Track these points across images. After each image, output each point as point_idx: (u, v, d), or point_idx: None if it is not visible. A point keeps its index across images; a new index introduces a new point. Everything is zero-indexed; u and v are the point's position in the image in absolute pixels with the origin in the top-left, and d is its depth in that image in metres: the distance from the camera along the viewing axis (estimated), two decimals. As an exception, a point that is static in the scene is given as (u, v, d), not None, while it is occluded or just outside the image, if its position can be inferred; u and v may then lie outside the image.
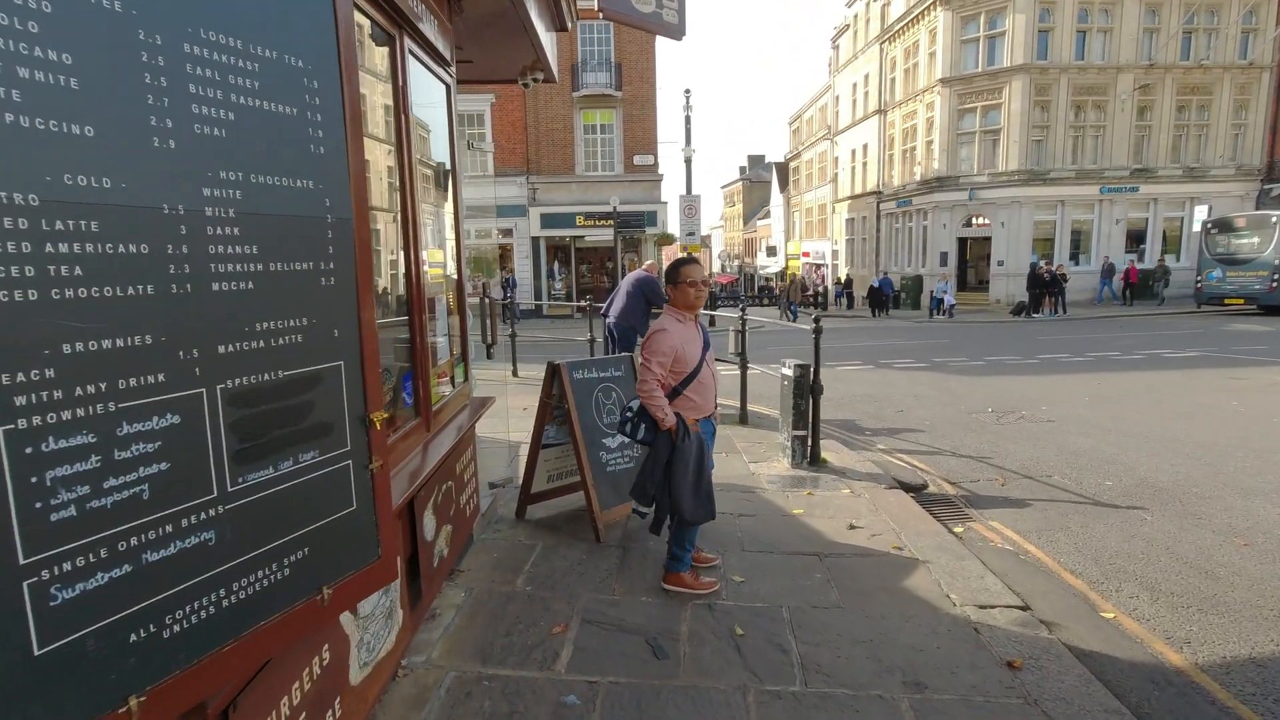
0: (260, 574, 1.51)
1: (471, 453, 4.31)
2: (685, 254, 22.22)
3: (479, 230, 26.35)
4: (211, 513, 1.40)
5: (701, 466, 3.53)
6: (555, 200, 26.04)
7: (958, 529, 4.87)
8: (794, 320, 23.88)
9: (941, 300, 24.53)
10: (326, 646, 2.20)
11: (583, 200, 25.85)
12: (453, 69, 4.13)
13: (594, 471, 4.61)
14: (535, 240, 26.30)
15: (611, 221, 24.79)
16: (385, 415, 1.81)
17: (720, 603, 3.64)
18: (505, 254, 26.87)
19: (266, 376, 1.52)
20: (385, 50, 3.13)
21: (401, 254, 3.26)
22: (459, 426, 3.92)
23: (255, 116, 1.47)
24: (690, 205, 23.14)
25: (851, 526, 4.70)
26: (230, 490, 1.44)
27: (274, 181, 1.51)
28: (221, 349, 1.41)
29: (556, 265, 27.30)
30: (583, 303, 11.67)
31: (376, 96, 3.17)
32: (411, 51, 3.36)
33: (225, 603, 1.43)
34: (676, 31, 7.75)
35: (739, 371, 7.78)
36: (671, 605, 3.62)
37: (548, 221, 26.06)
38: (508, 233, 26.40)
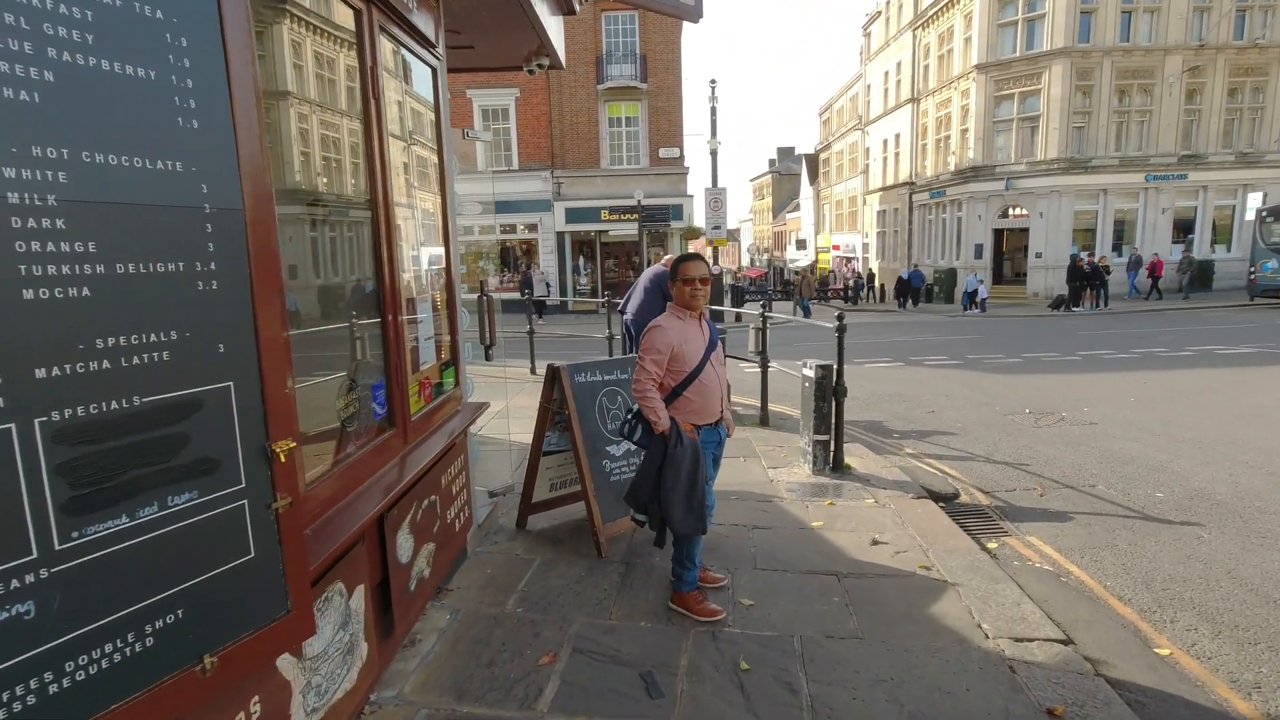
0: (109, 648, 1.22)
1: (462, 462, 4.04)
2: (710, 248, 21.85)
3: (504, 225, 26.24)
4: (29, 579, 1.12)
5: (695, 476, 3.26)
6: (580, 194, 25.80)
7: (991, 545, 4.48)
8: (806, 316, 22.85)
9: (974, 293, 23.69)
10: (256, 699, 1.92)
11: (608, 194, 25.55)
12: (439, 50, 3.84)
13: (596, 481, 4.32)
14: (560, 235, 26.13)
15: (636, 215, 24.44)
16: (291, 445, 1.51)
17: (726, 630, 3.32)
18: (530, 249, 26.73)
19: (116, 405, 1.23)
20: (351, 21, 2.85)
21: (370, 249, 2.98)
22: (448, 433, 3.65)
23: (88, 79, 1.17)
24: (716, 198, 22.65)
25: (874, 542, 4.34)
26: (60, 549, 1.15)
27: (120, 162, 1.21)
28: (41, 373, 1.12)
29: (582, 260, 27.09)
30: (603, 298, 11.41)
31: (341, 71, 2.89)
32: (384, 29, 3.08)
33: (53, 689, 1.13)
34: (693, 14, 7.38)
35: (759, 371, 7.42)
36: (671, 632, 3.31)
37: (572, 216, 25.85)
38: (532, 227, 26.27)
